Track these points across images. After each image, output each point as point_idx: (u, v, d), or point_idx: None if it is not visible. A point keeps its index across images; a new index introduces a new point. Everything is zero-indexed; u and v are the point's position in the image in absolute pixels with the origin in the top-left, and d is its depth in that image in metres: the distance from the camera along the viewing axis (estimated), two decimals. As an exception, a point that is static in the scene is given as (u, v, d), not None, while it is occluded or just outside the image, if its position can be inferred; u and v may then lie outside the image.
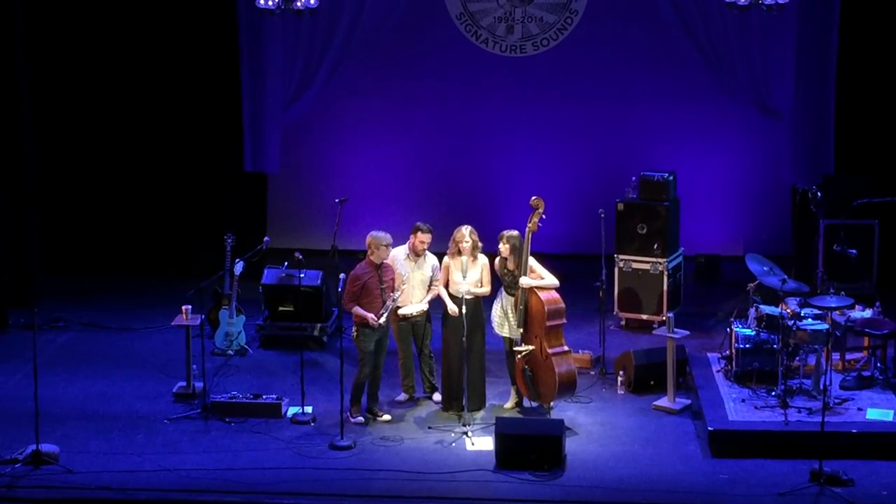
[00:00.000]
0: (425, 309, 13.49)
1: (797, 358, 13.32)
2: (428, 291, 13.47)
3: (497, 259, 13.24)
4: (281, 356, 14.84)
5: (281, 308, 15.17)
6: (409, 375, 13.69)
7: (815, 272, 14.99)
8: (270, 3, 13.78)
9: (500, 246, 13.15)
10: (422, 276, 13.46)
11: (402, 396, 13.70)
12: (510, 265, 13.16)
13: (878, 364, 13.55)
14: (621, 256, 15.66)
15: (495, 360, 13.69)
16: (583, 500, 11.70)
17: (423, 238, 13.40)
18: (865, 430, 12.50)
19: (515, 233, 13.17)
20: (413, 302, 13.44)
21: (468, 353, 12.99)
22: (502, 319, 13.27)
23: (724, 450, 12.43)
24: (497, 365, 13.72)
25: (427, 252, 13.50)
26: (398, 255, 13.47)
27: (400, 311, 13.37)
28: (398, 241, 13.47)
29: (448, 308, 13.14)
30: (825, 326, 13.15)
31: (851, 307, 13.64)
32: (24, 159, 16.30)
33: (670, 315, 13.65)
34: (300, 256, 13.91)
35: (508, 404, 13.41)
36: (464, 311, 12.91)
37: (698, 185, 17.12)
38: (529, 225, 13.06)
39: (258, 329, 15.24)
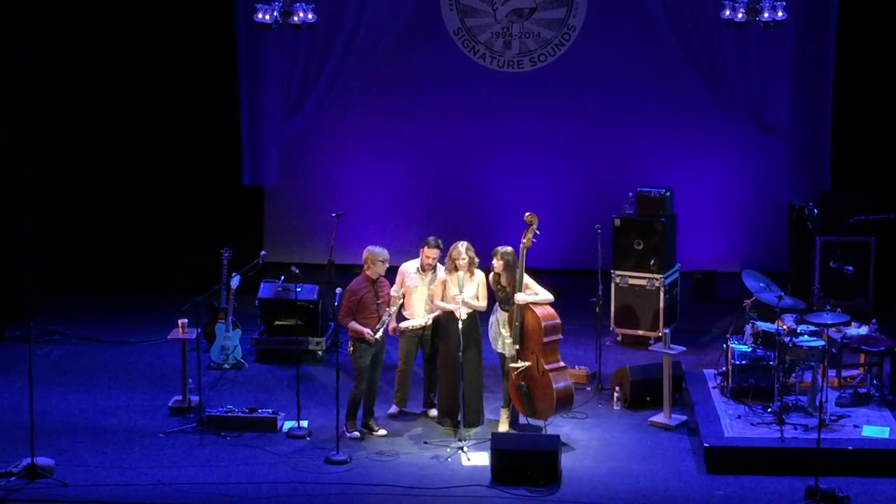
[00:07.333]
0: (426, 324, 13.46)
1: (793, 374, 13.32)
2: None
3: (491, 275, 13.23)
4: (277, 370, 14.83)
5: (277, 322, 15.16)
6: (402, 389, 13.68)
7: (812, 289, 15.00)
8: (268, 17, 13.82)
9: (494, 262, 13.13)
10: (430, 291, 13.43)
11: (394, 409, 13.68)
12: (503, 281, 13.14)
13: (875, 381, 13.56)
14: (618, 272, 15.67)
15: (492, 375, 13.68)
16: (578, 516, 11.73)
17: (429, 253, 13.38)
18: (861, 447, 12.49)
19: (509, 249, 13.16)
20: (419, 316, 13.42)
21: (465, 369, 12.98)
22: (497, 335, 13.26)
23: (720, 466, 12.42)
24: (493, 381, 13.71)
25: (439, 266, 13.47)
26: (409, 269, 13.48)
27: (401, 325, 13.37)
28: (395, 256, 13.46)
29: (454, 311, 13.03)
30: (821, 343, 13.16)
31: (847, 324, 13.64)
32: (21, 172, 16.30)
33: (666, 331, 13.65)
34: (297, 271, 13.90)
35: (501, 427, 13.23)
36: (460, 326, 12.90)
37: (695, 202, 17.14)
38: (524, 241, 13.04)
39: (254, 343, 15.24)
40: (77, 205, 17.53)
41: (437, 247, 13.39)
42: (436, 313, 13.35)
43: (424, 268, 13.43)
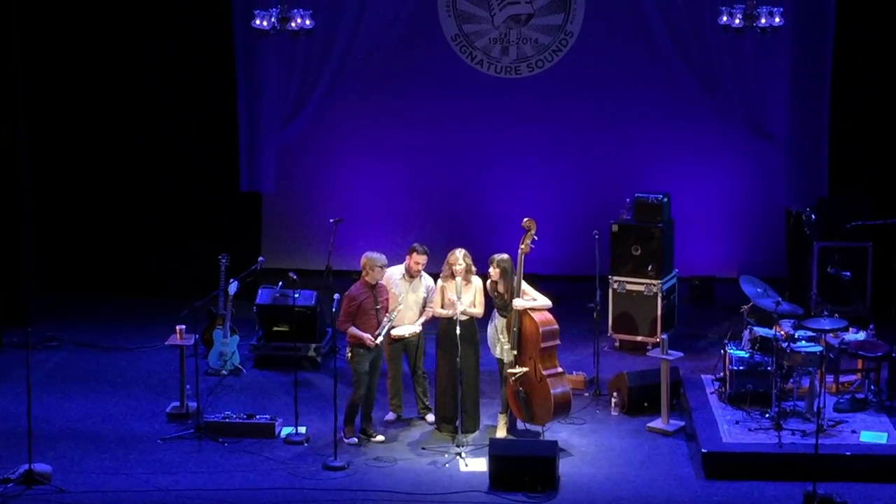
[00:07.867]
0: (418, 331, 13.49)
1: (791, 380, 13.33)
2: (422, 313, 13.49)
3: (488, 282, 13.24)
4: (275, 376, 14.83)
5: (275, 328, 15.16)
6: (398, 395, 13.70)
7: (809, 294, 15.03)
8: (266, 23, 13.80)
9: (490, 270, 13.13)
10: (416, 298, 13.47)
11: (391, 416, 13.69)
12: (500, 288, 13.15)
13: (872, 386, 13.56)
14: (615, 278, 15.67)
15: (489, 380, 13.68)
16: (576, 522, 11.74)
17: (418, 259, 13.41)
18: (859, 453, 12.49)
19: (505, 256, 13.16)
20: (406, 323, 13.44)
21: (462, 374, 12.98)
22: (495, 340, 13.26)
23: (718, 472, 12.42)
24: (491, 386, 13.71)
25: (423, 273, 13.51)
26: (394, 275, 13.48)
27: (393, 333, 13.36)
28: (392, 261, 13.48)
29: (447, 307, 13.03)
30: (819, 349, 13.16)
31: (845, 329, 13.65)
32: (20, 177, 16.30)
33: (664, 337, 13.64)
34: (295, 276, 13.90)
35: (499, 433, 13.25)
36: (458, 331, 12.90)
37: (692, 207, 17.14)
38: (522, 247, 13.04)
39: (252, 349, 15.23)
40: (76, 210, 17.52)
41: (426, 253, 13.43)
42: (423, 319, 13.38)
43: (412, 274, 13.45)
